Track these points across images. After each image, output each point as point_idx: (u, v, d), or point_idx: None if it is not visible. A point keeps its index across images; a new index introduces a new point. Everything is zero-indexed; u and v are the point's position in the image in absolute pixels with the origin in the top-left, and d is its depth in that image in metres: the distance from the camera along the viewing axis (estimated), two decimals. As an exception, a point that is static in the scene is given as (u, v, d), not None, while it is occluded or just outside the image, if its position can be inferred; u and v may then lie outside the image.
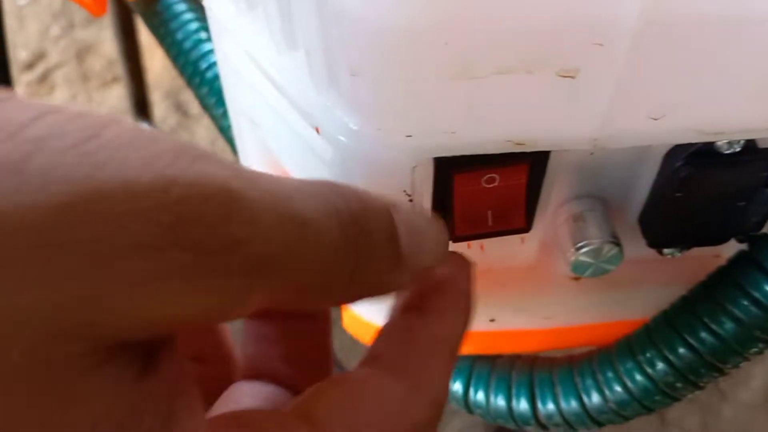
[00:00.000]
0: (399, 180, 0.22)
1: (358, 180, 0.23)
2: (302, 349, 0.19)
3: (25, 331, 0.09)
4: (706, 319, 0.27)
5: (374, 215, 0.15)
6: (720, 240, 0.26)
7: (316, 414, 0.14)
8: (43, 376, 0.10)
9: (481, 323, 0.30)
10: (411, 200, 0.23)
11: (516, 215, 0.25)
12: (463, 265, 0.21)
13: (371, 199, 0.16)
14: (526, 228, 0.25)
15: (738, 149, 0.23)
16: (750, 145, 0.23)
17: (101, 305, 0.10)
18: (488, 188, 0.23)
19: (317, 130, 0.24)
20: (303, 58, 0.22)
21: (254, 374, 0.19)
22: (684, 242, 0.26)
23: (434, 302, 0.19)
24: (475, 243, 0.27)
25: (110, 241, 0.10)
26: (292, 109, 0.24)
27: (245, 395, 0.19)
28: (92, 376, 0.10)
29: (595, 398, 0.30)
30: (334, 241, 0.14)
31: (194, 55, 0.40)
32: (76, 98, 1.15)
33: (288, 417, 0.14)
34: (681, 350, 0.28)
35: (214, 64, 0.40)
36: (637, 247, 0.27)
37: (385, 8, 0.17)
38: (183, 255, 0.11)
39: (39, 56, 1.22)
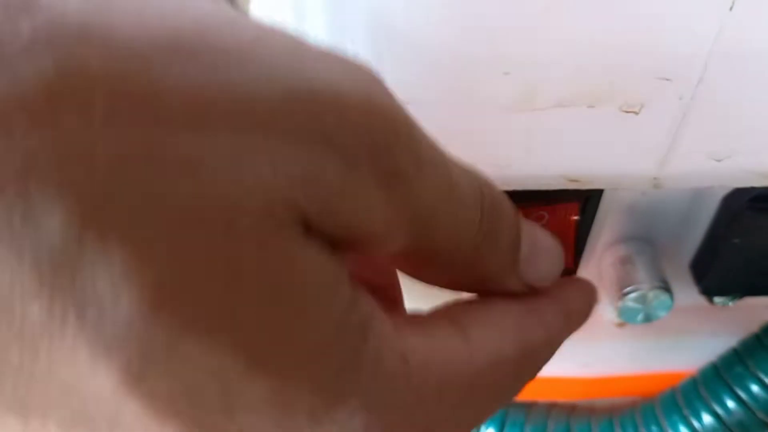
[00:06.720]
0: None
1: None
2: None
3: (256, 202, 0.10)
4: (760, 374, 0.26)
5: (506, 216, 0.15)
6: (777, 290, 0.25)
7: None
8: (271, 242, 0.10)
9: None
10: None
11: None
12: (584, 290, 0.20)
13: (507, 201, 0.16)
14: (572, 269, 0.24)
15: (803, 195, 0.22)
16: (816, 191, 0.22)
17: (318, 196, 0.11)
18: (536, 226, 0.22)
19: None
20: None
21: None
22: (739, 291, 0.25)
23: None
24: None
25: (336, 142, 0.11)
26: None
27: None
28: (306, 248, 0.11)
29: (637, 452, 0.28)
30: (471, 216, 0.14)
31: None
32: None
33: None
34: (730, 404, 0.27)
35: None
36: (686, 295, 0.26)
37: (446, 35, 0.16)
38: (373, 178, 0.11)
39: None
